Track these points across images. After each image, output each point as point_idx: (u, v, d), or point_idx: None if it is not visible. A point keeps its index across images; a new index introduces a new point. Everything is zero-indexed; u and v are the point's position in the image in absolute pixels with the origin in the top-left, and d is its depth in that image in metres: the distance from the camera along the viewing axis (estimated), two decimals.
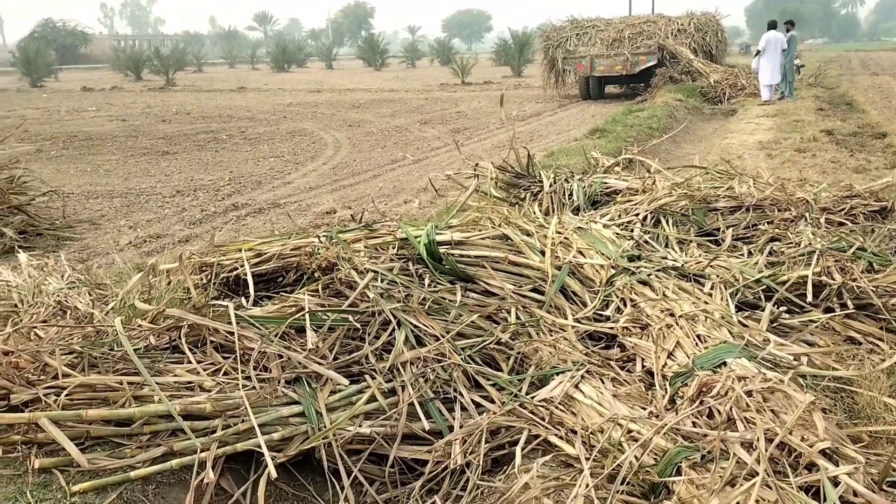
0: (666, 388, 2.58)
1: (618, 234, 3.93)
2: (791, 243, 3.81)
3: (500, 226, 3.72)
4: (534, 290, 3.44)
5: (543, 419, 2.57)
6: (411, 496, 2.46)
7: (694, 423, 2.27)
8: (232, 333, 2.78)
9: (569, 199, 5.13)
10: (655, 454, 2.17)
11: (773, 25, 15.31)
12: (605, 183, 5.23)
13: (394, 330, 3.00)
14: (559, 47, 19.96)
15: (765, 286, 3.34)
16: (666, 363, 2.74)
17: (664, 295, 3.16)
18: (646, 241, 3.95)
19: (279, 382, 2.63)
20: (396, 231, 3.71)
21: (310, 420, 2.53)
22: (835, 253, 3.43)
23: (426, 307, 3.17)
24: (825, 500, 1.89)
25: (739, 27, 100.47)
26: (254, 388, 2.57)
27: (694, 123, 13.76)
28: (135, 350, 2.65)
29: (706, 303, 3.15)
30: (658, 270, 3.38)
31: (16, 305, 3.79)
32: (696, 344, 2.76)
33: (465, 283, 3.45)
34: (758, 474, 1.93)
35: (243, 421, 2.44)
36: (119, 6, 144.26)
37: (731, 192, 4.57)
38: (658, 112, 13.10)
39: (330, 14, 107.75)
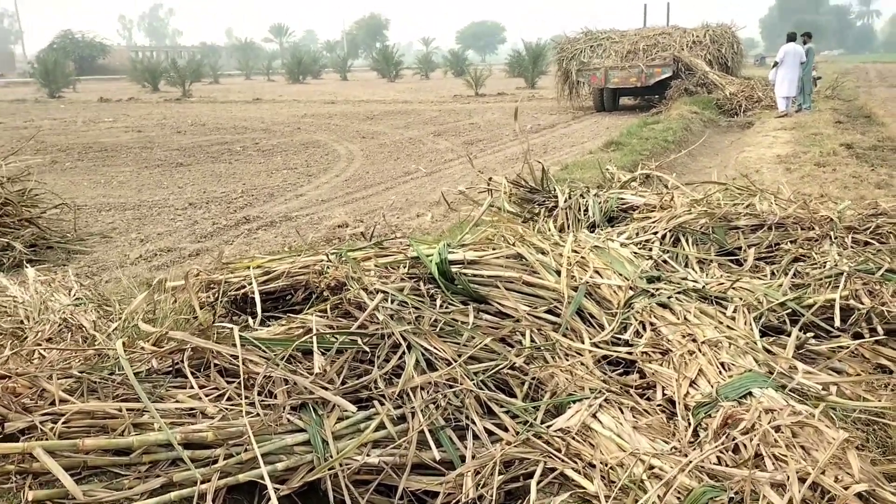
0: (689, 420, 2.45)
1: (636, 253, 3.81)
2: (816, 264, 3.68)
3: (514, 244, 3.62)
4: (549, 311, 3.32)
5: (559, 451, 2.45)
6: None
7: (719, 459, 2.15)
8: (237, 357, 2.69)
9: (584, 214, 5.01)
10: (679, 493, 2.05)
11: (792, 38, 15.15)
12: (622, 199, 5.11)
13: (404, 353, 2.90)
14: (573, 59, 19.90)
15: (790, 309, 3.21)
16: (688, 392, 2.62)
17: (685, 319, 3.04)
18: (664, 261, 3.82)
19: (284, 409, 2.54)
20: (407, 249, 3.61)
21: (315, 449, 2.43)
22: (863, 275, 3.30)
23: (437, 329, 3.06)
24: None
25: (755, 39, 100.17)
26: (258, 415, 2.48)
27: (710, 136, 13.61)
28: (136, 374, 2.56)
29: (729, 327, 3.03)
30: (679, 293, 3.26)
31: (21, 322, 3.74)
32: (720, 372, 2.64)
33: (478, 304, 3.35)
34: None
35: (246, 450, 2.34)
36: (137, 18, 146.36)
37: (752, 209, 4.44)
38: (673, 125, 12.97)
39: (345, 26, 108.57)
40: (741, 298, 3.28)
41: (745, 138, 12.55)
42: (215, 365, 2.72)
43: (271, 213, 7.76)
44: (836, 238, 3.98)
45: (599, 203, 5.05)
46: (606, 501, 2.07)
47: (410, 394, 2.75)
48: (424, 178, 9.94)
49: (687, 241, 4.05)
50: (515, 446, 2.51)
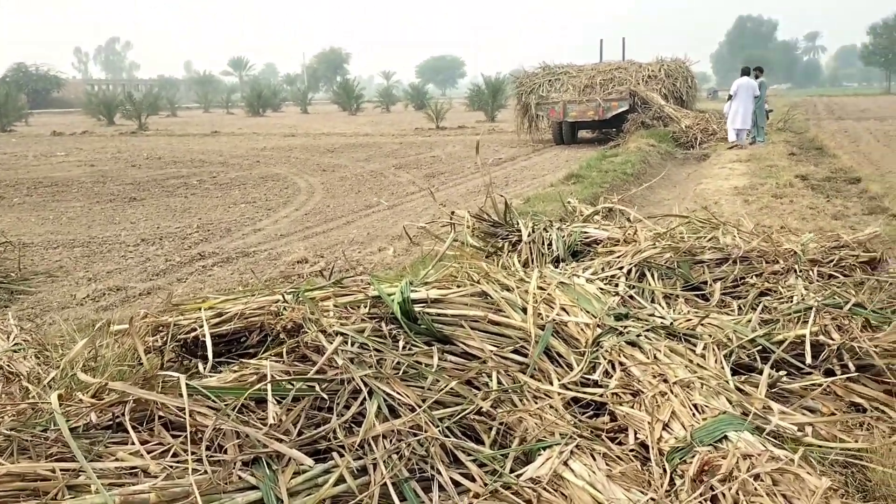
0: (664, 466, 2.34)
1: (602, 289, 3.73)
2: (783, 298, 3.64)
3: (478, 282, 3.51)
4: (515, 351, 3.21)
5: (530, 503, 2.32)
6: None
7: None
8: (183, 409, 2.50)
9: (548, 248, 4.94)
10: None
11: (746, 72, 15.58)
12: (585, 232, 5.06)
13: (365, 400, 2.74)
14: (532, 93, 20.15)
15: (759, 346, 3.15)
16: (661, 436, 2.51)
17: (655, 358, 2.95)
18: (631, 297, 3.75)
19: (235, 465, 2.35)
20: (368, 288, 3.47)
21: None
22: (831, 310, 3.26)
23: (400, 373, 2.92)
24: None
25: (707, 73, 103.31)
26: (206, 472, 2.29)
27: (667, 168, 13.81)
28: (73, 430, 2.36)
29: (700, 365, 2.95)
30: (647, 330, 3.18)
31: None
32: (694, 414, 2.55)
33: (443, 345, 3.22)
34: None
35: None
36: (94, 51, 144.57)
37: (715, 242, 4.42)
38: (632, 157, 13.13)
39: (305, 59, 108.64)
40: (710, 335, 3.21)
41: (701, 170, 12.75)
42: (160, 418, 2.53)
43: (228, 248, 7.54)
44: (800, 271, 3.97)
45: (563, 237, 4.99)
46: None
47: (372, 443, 2.59)
48: (386, 211, 9.82)
49: (653, 275, 3.99)
50: (484, 499, 2.37)
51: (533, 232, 5.10)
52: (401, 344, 3.14)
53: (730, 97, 15.54)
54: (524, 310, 3.41)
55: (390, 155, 17.84)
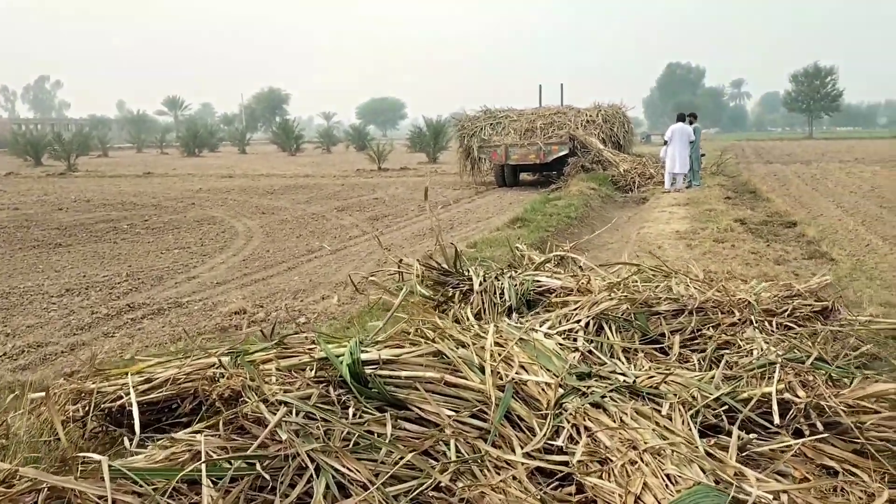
0: None
1: (561, 344, 3.58)
2: (742, 352, 3.57)
3: (433, 340, 3.31)
4: (475, 415, 3.00)
5: None
6: None
7: None
8: (104, 497, 2.20)
9: (500, 298, 4.79)
10: None
11: (680, 118, 16.05)
12: (538, 281, 4.93)
13: (312, 478, 2.49)
14: (474, 136, 20.33)
15: (725, 406, 3.04)
16: None
17: (622, 421, 2.80)
18: (590, 352, 3.61)
19: None
20: (314, 349, 3.23)
21: None
22: (794, 365, 3.19)
23: (351, 444, 2.68)
24: None
25: (639, 118, 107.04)
26: None
27: (609, 212, 13.99)
28: None
29: (667, 428, 2.81)
30: (611, 391, 3.03)
31: None
32: (667, 486, 2.39)
33: (397, 410, 2.99)
34: None
35: None
36: (21, 90, 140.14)
37: (670, 292, 4.35)
38: (574, 201, 13.24)
39: (243, 99, 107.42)
40: (675, 394, 3.08)
41: (642, 214, 12.93)
42: None
43: (159, 298, 7.13)
44: (757, 322, 3.91)
45: (515, 286, 4.85)
46: None
47: None
48: (329, 256, 9.55)
49: (611, 328, 3.87)
50: None
51: (484, 281, 4.95)
52: (351, 412, 2.90)
53: (665, 143, 15.95)
54: (481, 368, 3.22)
55: (332, 197, 17.59)
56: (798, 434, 2.92)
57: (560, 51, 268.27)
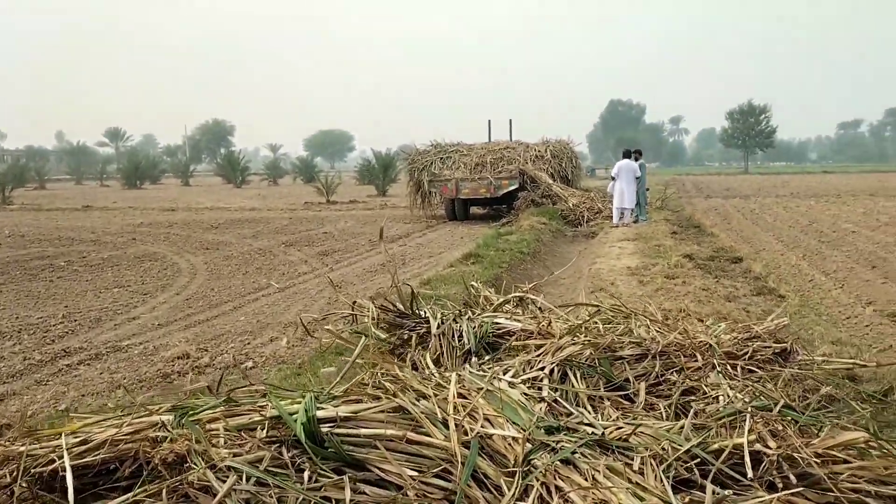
0: None
1: (525, 393, 3.45)
2: (708, 398, 3.51)
3: (394, 394, 3.13)
4: (439, 475, 2.83)
5: None
6: None
7: None
8: None
9: (458, 341, 4.65)
10: None
11: (626, 154, 16.36)
12: (497, 323, 4.81)
13: None
14: (424, 170, 20.34)
15: (697, 458, 2.94)
16: None
17: (594, 479, 2.67)
18: (556, 401, 3.49)
19: None
20: (266, 407, 3.02)
21: None
22: (763, 414, 3.13)
23: None
24: None
25: (584, 152, 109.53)
26: None
27: (559, 246, 14.06)
28: None
29: (640, 485, 2.69)
30: (581, 446, 2.91)
31: None
32: None
33: (356, 472, 2.80)
34: None
35: None
36: None
37: (632, 336, 4.28)
38: (526, 236, 13.26)
39: (187, 131, 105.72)
40: (646, 448, 2.97)
41: (592, 248, 13.02)
42: None
43: (97, 342, 6.75)
44: (720, 366, 3.87)
45: (474, 328, 4.72)
46: None
47: None
48: (277, 294, 9.26)
49: (576, 375, 3.76)
50: None
51: (442, 323, 4.80)
52: (306, 475, 2.69)
53: (613, 178, 16.21)
54: (445, 423, 3.06)
55: (280, 231, 17.25)
56: (771, 487, 2.84)
57: (508, 85, 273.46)
